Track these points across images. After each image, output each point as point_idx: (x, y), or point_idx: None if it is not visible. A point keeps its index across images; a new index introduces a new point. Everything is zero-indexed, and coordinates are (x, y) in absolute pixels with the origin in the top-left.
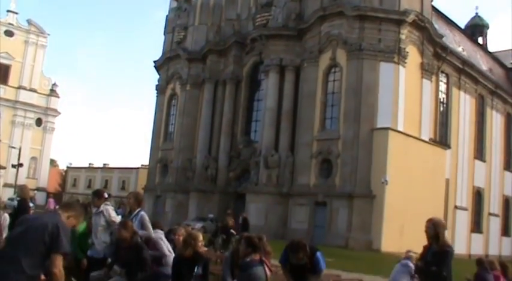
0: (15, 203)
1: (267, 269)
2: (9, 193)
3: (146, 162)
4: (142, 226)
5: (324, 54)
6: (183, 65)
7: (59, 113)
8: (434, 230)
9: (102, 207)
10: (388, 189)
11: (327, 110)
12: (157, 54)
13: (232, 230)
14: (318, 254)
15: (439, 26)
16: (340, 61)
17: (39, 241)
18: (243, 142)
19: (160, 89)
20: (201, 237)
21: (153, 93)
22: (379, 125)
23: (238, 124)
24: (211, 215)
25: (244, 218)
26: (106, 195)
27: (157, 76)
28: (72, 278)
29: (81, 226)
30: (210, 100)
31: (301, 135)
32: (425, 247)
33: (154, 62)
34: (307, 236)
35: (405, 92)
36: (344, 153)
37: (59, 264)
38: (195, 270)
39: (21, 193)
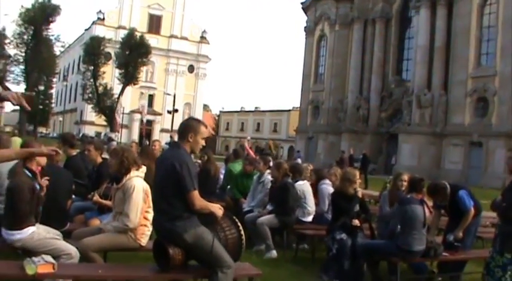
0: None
1: (426, 209)
2: (166, 137)
3: (297, 104)
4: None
5: None
6: (331, 5)
7: (210, 59)
8: None
9: (266, 174)
10: None
11: (482, 46)
12: None
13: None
14: (461, 192)
15: None
16: None
17: (167, 186)
18: (394, 82)
19: (308, 31)
20: (358, 175)
21: (302, 35)
22: None
23: (389, 63)
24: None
25: (363, 154)
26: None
27: (305, 18)
28: (234, 217)
29: (237, 167)
30: (360, 40)
31: (455, 73)
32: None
33: (302, 3)
34: (462, 177)
35: None
36: (501, 90)
37: (193, 201)
38: (354, 208)
39: None
